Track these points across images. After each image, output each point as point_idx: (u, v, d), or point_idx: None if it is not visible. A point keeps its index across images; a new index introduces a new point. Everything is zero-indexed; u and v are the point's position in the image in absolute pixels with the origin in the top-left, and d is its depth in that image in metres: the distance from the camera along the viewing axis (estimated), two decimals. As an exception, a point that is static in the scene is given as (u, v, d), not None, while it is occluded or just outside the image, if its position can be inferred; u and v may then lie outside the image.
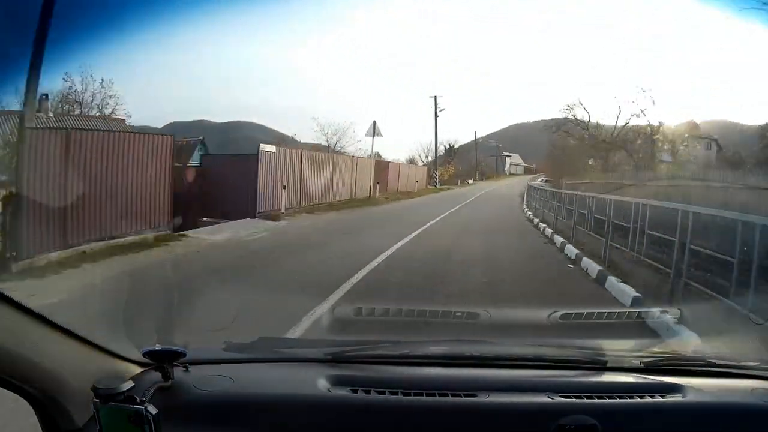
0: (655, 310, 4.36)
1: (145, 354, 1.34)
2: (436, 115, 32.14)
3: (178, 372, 1.36)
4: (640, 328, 4.14)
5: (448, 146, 40.70)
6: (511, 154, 54.28)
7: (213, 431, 1.31)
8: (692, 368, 1.65)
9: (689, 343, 3.80)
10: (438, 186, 32.30)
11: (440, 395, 1.38)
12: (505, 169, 53.02)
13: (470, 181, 40.08)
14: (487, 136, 51.03)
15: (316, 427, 1.33)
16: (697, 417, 1.40)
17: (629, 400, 1.41)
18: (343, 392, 1.38)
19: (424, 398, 1.37)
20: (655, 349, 2.30)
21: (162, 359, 1.33)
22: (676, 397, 1.43)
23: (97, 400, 1.13)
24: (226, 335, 1.91)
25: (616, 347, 2.25)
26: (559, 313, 3.37)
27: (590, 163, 18.92)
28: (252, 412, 1.33)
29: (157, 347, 1.33)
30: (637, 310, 4.71)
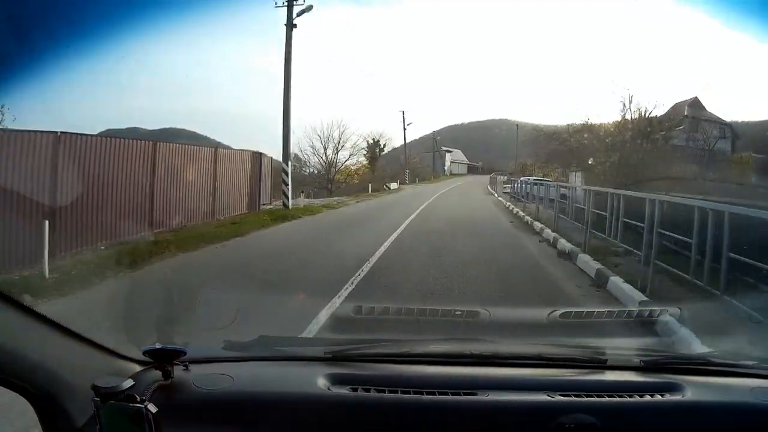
0: (655, 309, 4.36)
1: (145, 353, 1.34)
2: (289, 30, 14.52)
3: (178, 370, 1.36)
4: (640, 326, 4.14)
5: (371, 141, 32.96)
6: (451, 149, 46.05)
7: (213, 430, 1.31)
8: (692, 367, 1.65)
9: (689, 342, 3.80)
10: (291, 205, 14.68)
11: (440, 394, 1.38)
12: (445, 168, 44.29)
13: (392, 186, 29.04)
14: (422, 138, 42.55)
15: (315, 425, 1.33)
16: (696, 416, 1.40)
17: (629, 399, 1.41)
18: (342, 391, 1.39)
19: (424, 397, 1.37)
20: (655, 348, 2.30)
21: (162, 358, 1.33)
22: (676, 396, 1.43)
23: (98, 399, 1.13)
24: (225, 334, 1.92)
25: (615, 346, 2.25)
26: (558, 312, 3.37)
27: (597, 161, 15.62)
28: (252, 411, 1.33)
29: (157, 346, 1.33)
30: (637, 309, 4.71)
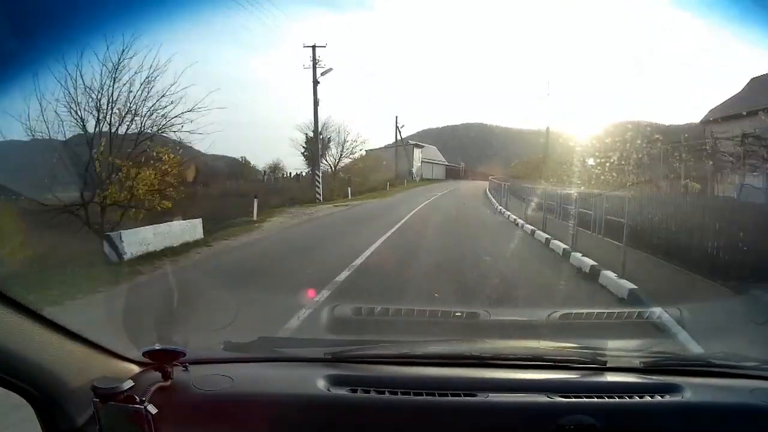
0: (655, 310, 4.36)
1: (145, 353, 1.34)
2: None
3: (177, 371, 1.36)
4: (640, 327, 4.14)
5: (311, 133, 22.13)
6: (423, 144, 33.55)
7: (213, 430, 1.31)
8: (692, 368, 1.65)
9: (689, 343, 3.80)
10: None
11: (440, 395, 1.38)
12: (413, 170, 31.07)
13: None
14: (388, 146, 29.84)
15: (315, 426, 1.33)
16: (696, 417, 1.40)
17: (629, 399, 1.41)
18: (342, 392, 1.38)
19: (424, 398, 1.37)
20: (655, 349, 2.30)
21: (161, 359, 1.33)
22: (676, 397, 1.43)
23: (97, 400, 1.13)
24: (225, 334, 1.91)
25: (615, 347, 2.25)
26: (558, 313, 3.37)
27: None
28: (251, 412, 1.33)
29: (157, 347, 1.33)
30: (637, 310, 4.71)
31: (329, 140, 24.33)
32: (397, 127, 29.36)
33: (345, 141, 24.94)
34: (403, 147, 29.77)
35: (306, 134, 23.41)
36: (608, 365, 1.60)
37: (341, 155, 24.63)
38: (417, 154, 31.86)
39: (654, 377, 1.56)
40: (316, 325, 4.05)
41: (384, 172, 26.73)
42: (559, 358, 1.66)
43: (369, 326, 3.31)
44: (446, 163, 36.14)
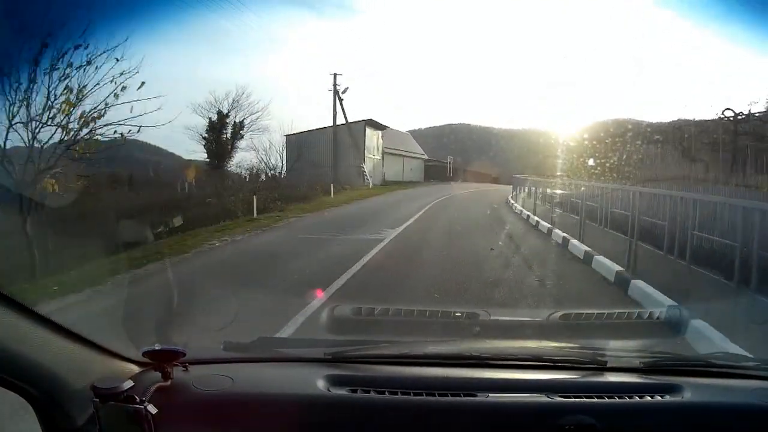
0: (656, 310, 4.35)
1: (145, 354, 1.34)
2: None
3: (177, 372, 1.36)
4: (640, 327, 4.13)
5: (214, 116, 16.19)
6: (385, 125, 22.01)
7: (213, 431, 1.31)
8: (692, 368, 1.65)
9: (689, 343, 3.79)
10: None
11: (440, 395, 1.38)
12: (364, 167, 19.32)
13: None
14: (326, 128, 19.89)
15: (315, 426, 1.33)
16: (696, 417, 1.40)
17: (629, 400, 1.41)
18: (342, 392, 1.38)
19: (424, 398, 1.37)
20: (655, 349, 2.30)
21: (161, 359, 1.33)
22: (676, 397, 1.43)
23: (97, 400, 1.13)
24: (224, 334, 1.92)
25: (615, 347, 2.25)
26: (558, 314, 3.37)
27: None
28: (251, 412, 1.33)
29: (157, 347, 1.33)
30: (637, 310, 4.70)
31: (241, 125, 16.36)
32: (336, 91, 16.94)
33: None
34: (346, 127, 17.76)
35: (209, 118, 16.55)
36: (608, 365, 1.60)
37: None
38: (374, 140, 20.02)
39: (654, 377, 1.56)
40: (316, 326, 4.06)
41: (320, 169, 17.07)
42: (559, 358, 1.66)
43: (369, 326, 3.31)
44: (426, 157, 25.85)
